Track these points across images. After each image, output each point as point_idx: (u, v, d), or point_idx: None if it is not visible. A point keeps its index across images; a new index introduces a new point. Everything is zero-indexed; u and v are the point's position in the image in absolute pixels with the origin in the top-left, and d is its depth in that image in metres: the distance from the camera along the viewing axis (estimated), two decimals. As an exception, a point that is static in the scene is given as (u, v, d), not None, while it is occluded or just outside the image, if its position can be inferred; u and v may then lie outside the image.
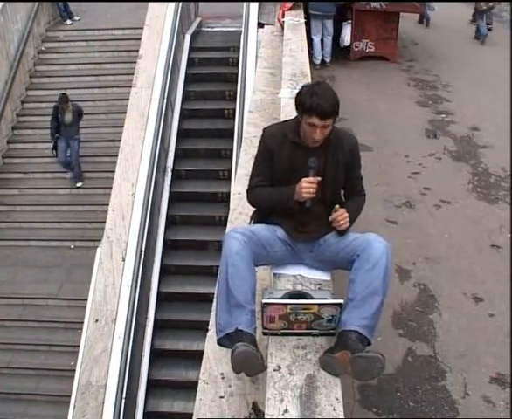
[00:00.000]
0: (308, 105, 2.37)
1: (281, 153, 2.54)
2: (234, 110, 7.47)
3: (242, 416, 2.51)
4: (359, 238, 2.41)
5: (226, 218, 6.81)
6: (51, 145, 8.62)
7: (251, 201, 2.70)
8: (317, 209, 2.57)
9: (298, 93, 2.48)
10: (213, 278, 3.63)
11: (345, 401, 2.08)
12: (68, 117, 8.38)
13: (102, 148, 9.11)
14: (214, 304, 2.42)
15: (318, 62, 9.65)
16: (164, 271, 6.79)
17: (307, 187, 2.39)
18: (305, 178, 2.42)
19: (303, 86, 2.51)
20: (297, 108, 2.49)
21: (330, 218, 2.47)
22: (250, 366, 2.18)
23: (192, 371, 5.79)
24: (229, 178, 7.08)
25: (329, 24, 9.48)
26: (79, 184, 8.79)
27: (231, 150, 7.18)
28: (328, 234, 2.56)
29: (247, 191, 2.69)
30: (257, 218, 2.72)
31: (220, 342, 2.33)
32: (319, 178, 2.42)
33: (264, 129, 2.66)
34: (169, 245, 7.02)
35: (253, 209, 2.80)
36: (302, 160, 2.47)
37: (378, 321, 2.27)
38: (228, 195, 6.67)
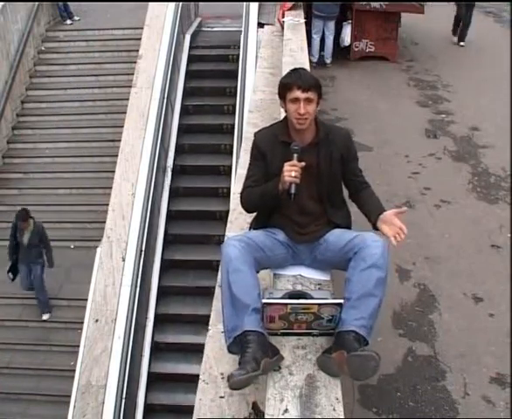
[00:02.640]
0: (289, 81, 2.48)
1: (273, 154, 2.55)
2: (238, 55, 8.09)
3: (242, 416, 2.51)
4: (357, 237, 2.40)
5: (231, 146, 7.20)
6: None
7: (243, 204, 2.67)
8: (316, 209, 2.58)
9: (279, 83, 2.57)
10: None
11: (345, 401, 2.08)
12: (26, 238, 6.99)
13: (102, 148, 9.10)
14: (221, 315, 2.40)
15: (315, 60, 9.66)
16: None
17: (288, 170, 2.36)
18: (287, 162, 2.41)
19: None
20: (280, 95, 2.54)
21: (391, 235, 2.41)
22: (248, 385, 2.16)
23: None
24: (233, 113, 7.61)
25: (332, 24, 9.51)
26: (45, 316, 7.32)
27: (236, 87, 7.66)
28: (328, 233, 2.56)
29: (240, 194, 2.66)
30: (256, 225, 2.71)
31: (230, 349, 2.30)
32: (303, 163, 2.39)
33: (254, 134, 2.68)
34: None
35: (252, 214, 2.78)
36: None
37: (376, 321, 2.26)
38: (232, 126, 7.37)
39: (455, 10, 11.28)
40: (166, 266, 6.86)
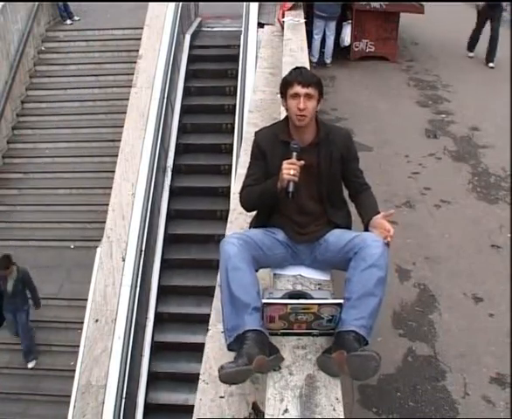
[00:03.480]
0: (290, 78, 2.52)
1: (273, 153, 2.56)
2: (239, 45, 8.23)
3: (242, 416, 2.51)
4: (357, 237, 2.40)
5: (233, 126, 7.37)
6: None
7: (243, 202, 2.68)
8: (316, 209, 2.58)
9: (281, 81, 2.61)
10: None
11: (345, 401, 2.08)
12: (10, 286, 6.60)
13: (102, 148, 9.10)
14: (221, 314, 2.40)
15: (315, 60, 9.66)
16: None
17: (287, 167, 2.38)
18: (286, 160, 2.42)
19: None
20: (282, 93, 2.58)
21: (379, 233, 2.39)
22: (241, 380, 2.18)
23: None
24: (234, 94, 7.81)
25: (333, 24, 9.52)
26: (30, 364, 6.92)
27: (237, 70, 7.89)
28: (328, 233, 2.56)
29: (240, 193, 2.68)
30: (256, 224, 2.71)
31: (230, 348, 2.30)
32: (302, 162, 2.41)
33: (255, 133, 2.70)
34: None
35: (252, 214, 2.79)
36: None
37: (376, 321, 2.26)
38: (233, 107, 7.58)
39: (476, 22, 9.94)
40: (169, 240, 7.05)
